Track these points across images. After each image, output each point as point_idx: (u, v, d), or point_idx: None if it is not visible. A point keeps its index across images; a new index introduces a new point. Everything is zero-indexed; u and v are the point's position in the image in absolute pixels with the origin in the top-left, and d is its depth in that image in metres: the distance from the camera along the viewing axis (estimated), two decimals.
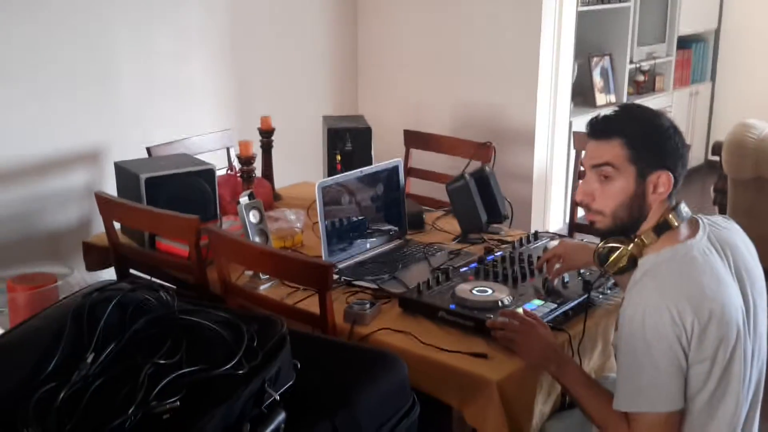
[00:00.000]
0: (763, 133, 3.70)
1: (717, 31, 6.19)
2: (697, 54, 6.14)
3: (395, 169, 2.59)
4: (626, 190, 1.65)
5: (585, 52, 5.05)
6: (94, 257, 2.76)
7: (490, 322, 1.93)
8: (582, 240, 2.56)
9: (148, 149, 3.05)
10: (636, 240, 1.67)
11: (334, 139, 2.85)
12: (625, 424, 1.62)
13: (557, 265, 2.16)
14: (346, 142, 2.85)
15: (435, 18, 4.33)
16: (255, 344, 1.19)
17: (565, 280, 2.18)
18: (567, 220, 4.64)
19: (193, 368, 1.11)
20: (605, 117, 1.69)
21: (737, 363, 1.59)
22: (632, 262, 1.67)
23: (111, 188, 2.87)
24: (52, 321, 1.22)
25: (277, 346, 1.19)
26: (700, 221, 1.68)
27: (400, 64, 4.50)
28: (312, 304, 2.10)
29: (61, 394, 1.07)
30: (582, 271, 2.22)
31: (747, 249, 1.71)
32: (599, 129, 1.67)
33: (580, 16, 4.52)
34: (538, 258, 2.30)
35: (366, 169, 2.53)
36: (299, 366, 1.25)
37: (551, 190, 4.39)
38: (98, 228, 2.92)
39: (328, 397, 1.25)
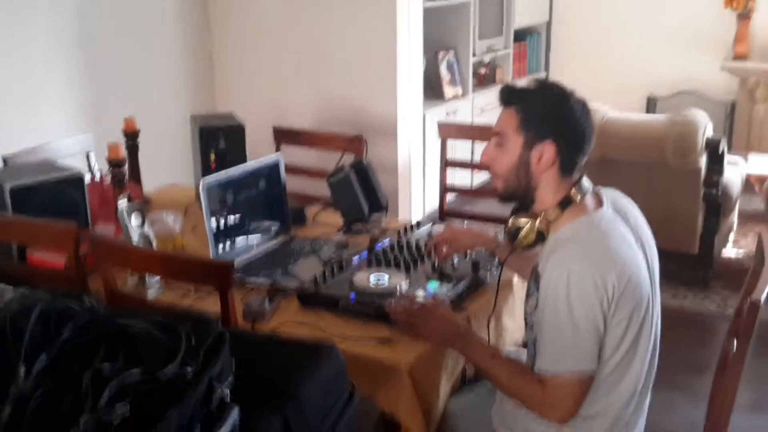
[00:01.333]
0: (606, 115, 3.98)
1: (548, 23, 6.56)
2: (531, 45, 6.47)
3: (276, 164, 2.57)
4: (513, 157, 1.73)
5: (431, 47, 5.19)
6: None
7: (389, 307, 1.96)
8: (464, 224, 2.65)
9: (4, 158, 2.84)
10: (540, 217, 1.75)
11: (207, 138, 2.77)
12: (538, 387, 1.70)
13: (444, 248, 2.23)
14: (220, 140, 2.78)
15: (292, 14, 4.32)
16: (193, 344, 1.15)
17: (455, 261, 2.25)
18: (425, 210, 4.78)
19: (137, 371, 1.05)
20: (510, 86, 1.77)
21: (647, 325, 1.71)
22: (540, 237, 1.76)
23: None
24: None
25: (218, 344, 1.16)
26: (601, 194, 1.79)
27: (259, 60, 4.46)
28: (207, 305, 2.06)
29: (5, 412, 0.98)
30: (469, 252, 2.30)
31: (642, 217, 1.84)
32: (502, 97, 1.76)
33: (425, 12, 4.65)
34: (426, 244, 2.36)
35: (248, 166, 2.49)
36: (235, 363, 1.22)
37: (413, 179, 4.50)
38: None
39: (273, 391, 1.23)
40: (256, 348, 1.36)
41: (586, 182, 1.78)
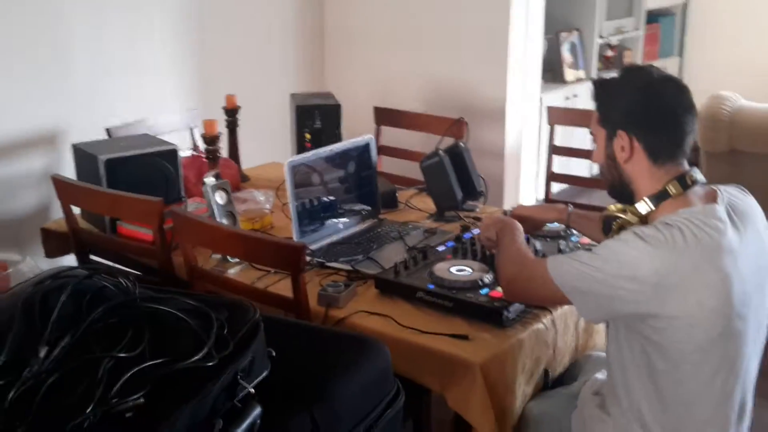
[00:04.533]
0: (737, 105, 3.67)
1: (684, 6, 6.16)
2: (665, 28, 6.09)
3: (366, 146, 2.49)
4: (601, 152, 1.68)
5: (553, 27, 4.97)
6: (54, 243, 2.63)
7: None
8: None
9: (108, 130, 2.92)
10: (630, 210, 1.63)
11: (303, 117, 2.74)
12: (533, 263, 1.74)
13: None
14: (315, 119, 2.74)
15: None
16: (225, 333, 1.09)
17: (537, 248, 2.10)
18: (538, 197, 4.59)
19: (157, 361, 1.01)
20: (594, 80, 1.75)
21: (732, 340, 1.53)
22: None
23: (70, 171, 2.74)
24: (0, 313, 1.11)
25: (250, 335, 1.09)
26: (718, 191, 1.61)
27: (368, 39, 4.39)
28: (284, 288, 2.02)
29: (10, 394, 0.96)
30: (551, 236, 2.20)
31: (763, 223, 1.64)
32: (592, 94, 1.71)
33: None
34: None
35: (336, 147, 2.43)
36: (274, 355, 1.16)
37: (522, 166, 4.32)
38: (57, 213, 2.78)
39: (306, 388, 1.16)
40: (297, 339, 1.29)
41: (697, 175, 1.60)
